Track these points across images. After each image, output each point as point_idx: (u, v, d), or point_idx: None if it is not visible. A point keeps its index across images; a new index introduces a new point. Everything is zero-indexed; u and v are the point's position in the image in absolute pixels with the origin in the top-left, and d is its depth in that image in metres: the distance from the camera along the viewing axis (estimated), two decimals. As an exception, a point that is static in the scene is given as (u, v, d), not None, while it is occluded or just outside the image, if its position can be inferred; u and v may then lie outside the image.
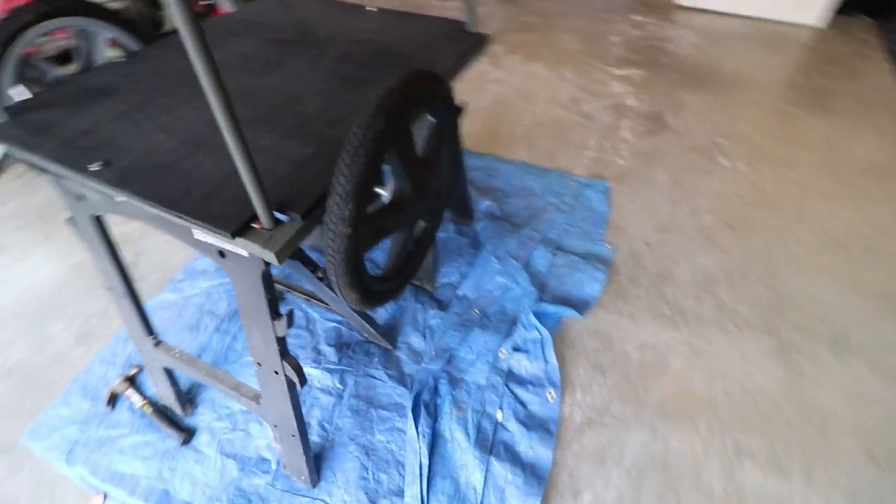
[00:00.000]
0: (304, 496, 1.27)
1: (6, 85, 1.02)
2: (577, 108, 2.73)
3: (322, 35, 1.29)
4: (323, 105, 0.99)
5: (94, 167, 0.79)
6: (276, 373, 0.98)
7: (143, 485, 1.32)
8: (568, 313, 1.65)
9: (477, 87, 2.92)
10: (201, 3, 3.63)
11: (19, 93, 1.06)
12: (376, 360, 1.56)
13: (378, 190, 0.84)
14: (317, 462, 1.32)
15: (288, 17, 1.37)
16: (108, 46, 1.24)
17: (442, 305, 1.71)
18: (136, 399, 1.46)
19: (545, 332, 1.56)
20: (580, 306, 1.68)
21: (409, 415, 1.38)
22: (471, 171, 2.26)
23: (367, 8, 1.43)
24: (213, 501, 1.28)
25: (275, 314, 0.88)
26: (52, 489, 1.33)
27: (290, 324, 0.90)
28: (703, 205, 2.10)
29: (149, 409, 1.44)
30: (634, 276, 1.81)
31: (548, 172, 2.27)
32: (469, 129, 2.56)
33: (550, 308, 1.65)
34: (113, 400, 1.48)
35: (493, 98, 2.83)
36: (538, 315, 1.62)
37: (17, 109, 0.93)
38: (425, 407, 1.42)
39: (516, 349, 1.56)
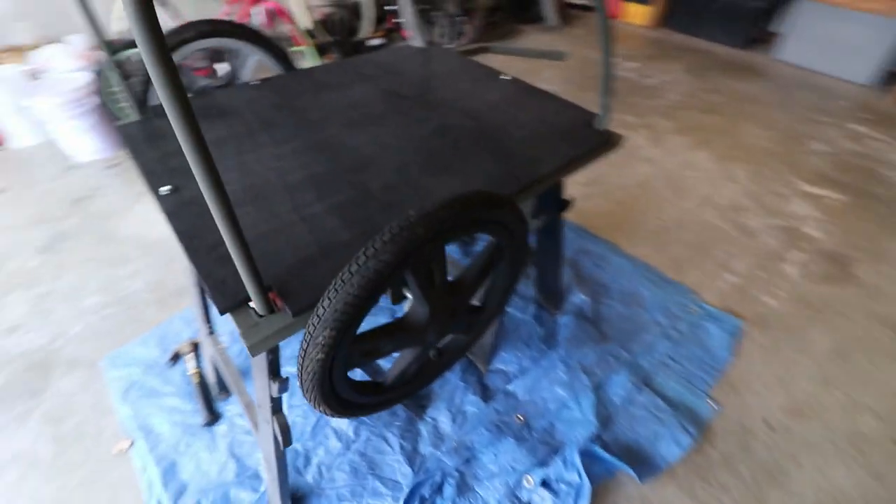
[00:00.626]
0: (270, 537, 1.23)
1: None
2: (737, 219, 2.30)
3: (438, 97, 1.24)
4: (390, 181, 0.93)
5: (164, 191, 0.85)
6: (267, 423, 0.95)
7: (161, 448, 1.43)
8: (624, 470, 1.35)
9: (623, 162, 2.66)
10: (392, 21, 3.99)
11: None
12: (398, 424, 1.47)
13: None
14: (298, 503, 1.28)
15: (420, 70, 1.36)
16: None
17: (486, 394, 1.55)
18: (190, 366, 1.59)
19: (586, 480, 1.30)
20: (643, 468, 1.37)
21: (400, 506, 1.25)
22: (577, 254, 2.04)
23: (501, 76, 1.35)
24: (202, 494, 1.32)
25: (273, 375, 0.84)
26: (102, 417, 1.51)
27: (285, 389, 0.85)
28: (870, 402, 1.57)
29: (195, 380, 1.56)
30: (733, 458, 1.42)
31: (669, 284, 1.93)
32: (595, 206, 2.33)
33: (605, 455, 1.37)
34: (175, 358, 1.64)
35: (638, 179, 2.54)
36: (587, 455, 1.36)
37: (149, 114, 1.06)
38: (421, 503, 1.28)
39: (545, 484, 1.33)
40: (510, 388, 1.56)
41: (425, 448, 1.42)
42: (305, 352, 0.62)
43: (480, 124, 1.14)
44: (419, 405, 1.51)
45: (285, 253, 0.75)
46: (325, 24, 3.83)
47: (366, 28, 4.02)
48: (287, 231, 0.80)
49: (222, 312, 0.66)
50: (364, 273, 0.58)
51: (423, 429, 1.47)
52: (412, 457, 1.40)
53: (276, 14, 3.06)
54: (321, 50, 3.82)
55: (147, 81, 1.13)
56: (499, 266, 0.84)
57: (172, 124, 0.44)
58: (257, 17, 3.39)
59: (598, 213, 2.30)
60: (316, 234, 0.79)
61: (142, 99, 1.16)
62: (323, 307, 0.59)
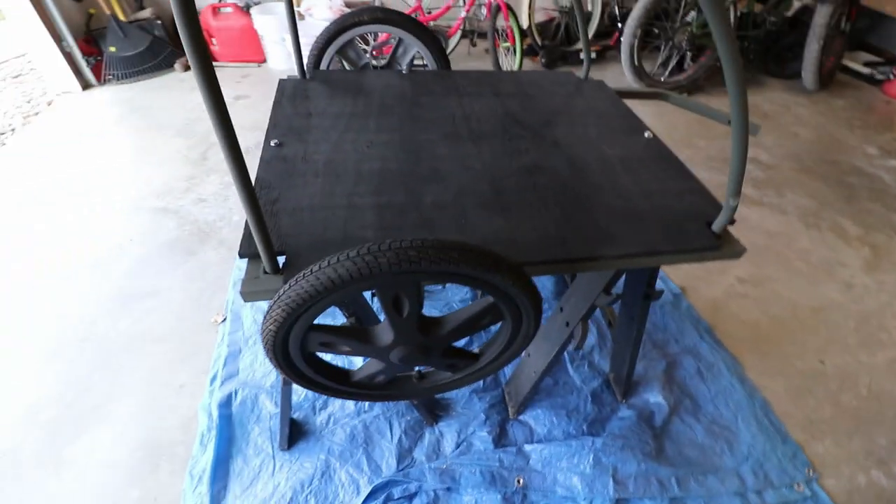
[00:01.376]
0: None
1: (328, 56, 1.37)
2: (944, 412, 1.65)
3: (554, 135, 1.14)
4: (444, 201, 0.91)
5: (273, 142, 1.00)
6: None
7: (237, 334, 1.73)
8: None
9: (810, 274, 2.12)
10: (617, 38, 3.77)
11: (330, 63, 1.42)
12: (408, 419, 1.50)
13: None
14: (296, 435, 1.44)
15: (557, 101, 1.27)
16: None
17: (501, 438, 1.47)
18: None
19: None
20: None
21: (365, 492, 1.30)
22: (683, 351, 1.73)
23: (645, 133, 1.18)
24: (241, 386, 1.57)
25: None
26: (218, 291, 1.89)
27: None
28: None
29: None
30: None
31: (782, 440, 1.52)
32: (741, 309, 1.93)
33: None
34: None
35: (820, 302, 2.00)
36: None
37: (312, 75, 1.24)
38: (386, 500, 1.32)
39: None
40: (527, 448, 1.45)
41: (419, 453, 1.43)
42: (265, 316, 0.69)
43: (578, 176, 1.03)
44: (434, 412, 1.51)
45: (316, 229, 0.82)
46: (543, 27, 3.85)
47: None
48: (330, 210, 0.87)
49: (241, 256, 0.77)
50: (319, 276, 0.61)
51: (428, 435, 1.48)
52: (404, 454, 1.43)
53: (499, 8, 3.19)
54: (529, 51, 3.87)
55: (322, 47, 1.34)
56: (500, 324, 0.77)
57: (198, 87, 0.52)
58: (482, 8, 3.59)
59: (742, 318, 1.90)
60: (349, 224, 0.84)
61: (315, 62, 1.37)
62: (286, 287, 0.65)
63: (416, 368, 0.88)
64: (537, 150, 1.10)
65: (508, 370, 1.65)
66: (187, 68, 3.67)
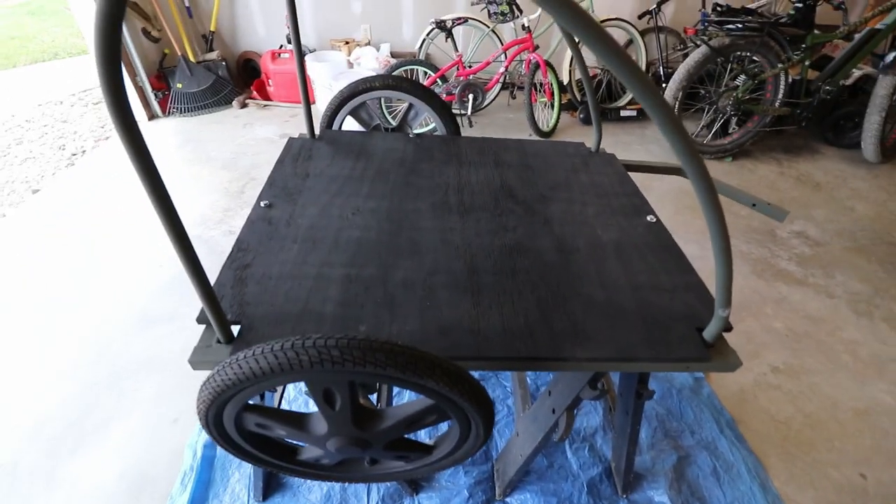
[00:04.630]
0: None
1: (341, 116, 1.42)
2: None
3: (547, 212, 1.10)
4: (413, 280, 0.87)
5: (264, 203, 1.03)
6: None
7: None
8: None
9: (857, 371, 1.89)
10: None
11: (342, 123, 1.47)
12: (388, 485, 1.44)
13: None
14: (273, 487, 1.41)
15: (559, 175, 1.23)
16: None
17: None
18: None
19: None
20: None
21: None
22: (698, 446, 1.57)
23: (649, 217, 1.11)
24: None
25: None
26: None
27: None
28: None
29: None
30: None
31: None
32: (771, 402, 1.75)
33: None
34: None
35: (865, 404, 1.77)
36: None
37: (324, 135, 1.28)
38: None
39: None
40: (509, 532, 1.34)
41: (393, 529, 1.36)
42: (202, 385, 0.68)
43: (563, 261, 0.97)
44: (416, 481, 1.44)
45: (278, 299, 0.82)
46: (582, 84, 3.86)
47: (626, 98, 3.89)
48: (297, 280, 0.86)
49: (199, 322, 0.77)
50: (242, 366, 0.59)
51: (406, 507, 1.40)
52: (377, 526, 1.36)
53: (538, 66, 3.25)
54: (568, 106, 3.88)
55: (335, 109, 1.39)
56: (449, 422, 0.72)
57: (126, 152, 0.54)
58: (522, 64, 3.66)
59: (771, 414, 1.72)
60: (312, 296, 0.83)
61: (328, 123, 1.43)
62: (213, 372, 0.64)
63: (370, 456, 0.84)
64: (526, 228, 1.06)
65: (501, 443, 1.56)
66: (243, 106, 3.96)
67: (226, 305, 0.79)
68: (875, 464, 1.59)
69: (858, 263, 2.51)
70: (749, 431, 1.66)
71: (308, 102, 1.27)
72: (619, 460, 1.37)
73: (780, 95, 3.22)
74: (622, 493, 1.44)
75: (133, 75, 3.52)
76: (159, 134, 3.55)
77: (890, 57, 2.99)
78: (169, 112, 3.76)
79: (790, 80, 3.21)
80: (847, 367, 1.92)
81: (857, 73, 3.38)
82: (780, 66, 3.06)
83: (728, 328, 0.80)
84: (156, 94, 3.67)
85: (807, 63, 3.11)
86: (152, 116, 3.74)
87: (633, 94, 0.50)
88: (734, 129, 3.42)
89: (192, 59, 3.77)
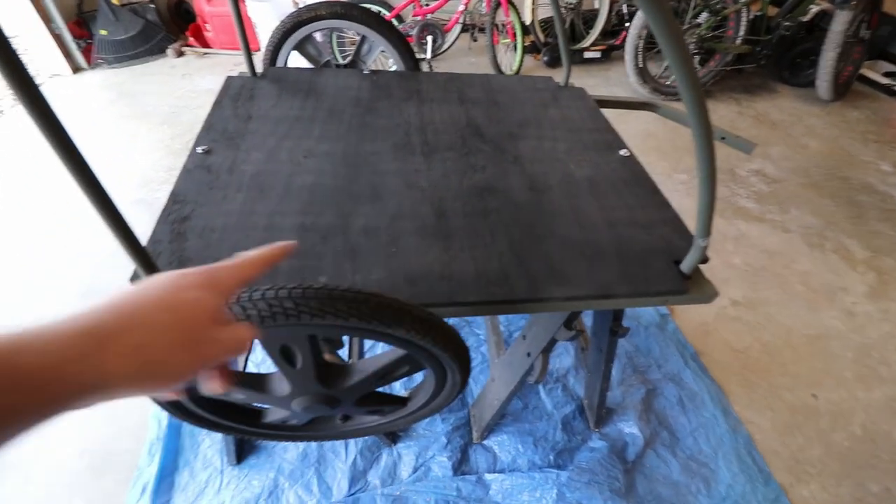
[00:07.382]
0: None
1: (285, 51, 1.27)
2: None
3: (517, 149, 1.05)
4: (376, 226, 0.81)
5: (200, 149, 0.91)
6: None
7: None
8: None
9: (809, 300, 1.99)
10: (624, 38, 3.61)
11: (289, 58, 1.32)
12: (365, 438, 1.43)
13: None
14: (247, 450, 1.37)
15: (527, 110, 1.16)
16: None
17: (461, 465, 1.39)
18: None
19: None
20: None
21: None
22: (665, 379, 1.63)
23: (620, 151, 1.07)
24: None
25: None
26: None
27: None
28: None
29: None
30: None
31: (763, 481, 1.42)
32: (732, 333, 1.82)
33: None
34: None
35: (816, 330, 1.89)
36: None
37: (263, 73, 1.15)
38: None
39: None
40: (488, 477, 1.37)
41: (374, 476, 1.36)
42: None
43: (536, 200, 0.92)
44: (392, 436, 1.43)
45: (223, 254, 0.73)
46: (546, 24, 3.70)
47: (590, 39, 3.77)
48: (244, 232, 0.77)
49: (131, 281, 0.68)
50: None
51: (385, 457, 1.40)
52: (357, 476, 1.35)
53: (499, 3, 3.06)
54: (532, 49, 3.73)
55: (278, 43, 1.24)
56: (424, 372, 0.68)
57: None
58: (482, 2, 3.46)
59: (732, 345, 1.80)
60: (258, 245, 0.75)
61: (271, 59, 1.28)
62: None
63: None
64: (495, 167, 0.99)
65: (476, 389, 1.57)
66: (180, 54, 3.59)
67: (163, 263, 0.70)
68: (825, 385, 1.70)
69: (811, 198, 2.60)
70: (711, 362, 1.73)
71: (245, 36, 1.12)
72: (592, 397, 1.40)
73: (741, 32, 3.19)
74: (595, 428, 1.49)
75: (48, 21, 3.09)
76: (86, 88, 3.19)
77: (848, -10, 2.99)
78: (95, 63, 3.36)
79: (751, 16, 3.17)
80: (800, 296, 2.02)
81: (814, 10, 3.38)
82: (741, 0, 3.01)
83: (705, 259, 0.78)
84: (77, 43, 3.26)
85: (768, -2, 3.08)
86: (77, 69, 3.34)
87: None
88: (697, 68, 3.39)
89: (114, 1, 3.34)
